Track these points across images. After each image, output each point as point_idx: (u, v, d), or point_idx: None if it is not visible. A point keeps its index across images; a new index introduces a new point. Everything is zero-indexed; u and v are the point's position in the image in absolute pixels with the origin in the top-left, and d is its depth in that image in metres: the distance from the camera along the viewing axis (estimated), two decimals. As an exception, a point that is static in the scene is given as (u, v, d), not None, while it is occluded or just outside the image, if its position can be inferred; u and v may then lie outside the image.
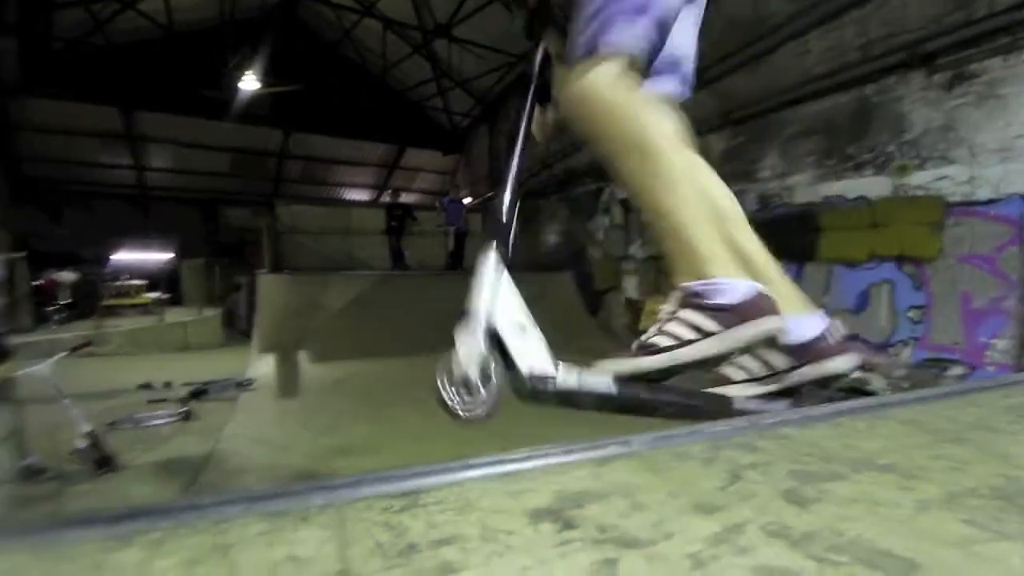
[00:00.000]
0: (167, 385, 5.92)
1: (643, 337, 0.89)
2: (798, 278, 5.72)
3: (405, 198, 10.78)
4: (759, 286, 0.86)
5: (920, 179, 4.58)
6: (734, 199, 1.03)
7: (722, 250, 0.89)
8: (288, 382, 5.81)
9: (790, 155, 5.97)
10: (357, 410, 4.88)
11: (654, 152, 0.89)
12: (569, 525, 0.37)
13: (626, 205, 8.97)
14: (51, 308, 9.79)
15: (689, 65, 1.08)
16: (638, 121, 0.90)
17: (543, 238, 11.88)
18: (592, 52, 0.90)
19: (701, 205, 0.90)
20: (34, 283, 10.04)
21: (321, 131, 15.23)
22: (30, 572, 0.31)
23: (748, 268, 0.93)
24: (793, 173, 5.90)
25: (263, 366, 6.28)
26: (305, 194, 17.57)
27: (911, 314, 4.60)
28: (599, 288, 9.61)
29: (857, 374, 3.91)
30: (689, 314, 0.85)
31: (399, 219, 9.36)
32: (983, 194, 4.11)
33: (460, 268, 9.95)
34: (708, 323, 0.83)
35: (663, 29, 0.95)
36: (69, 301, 9.98)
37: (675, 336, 0.85)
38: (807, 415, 0.70)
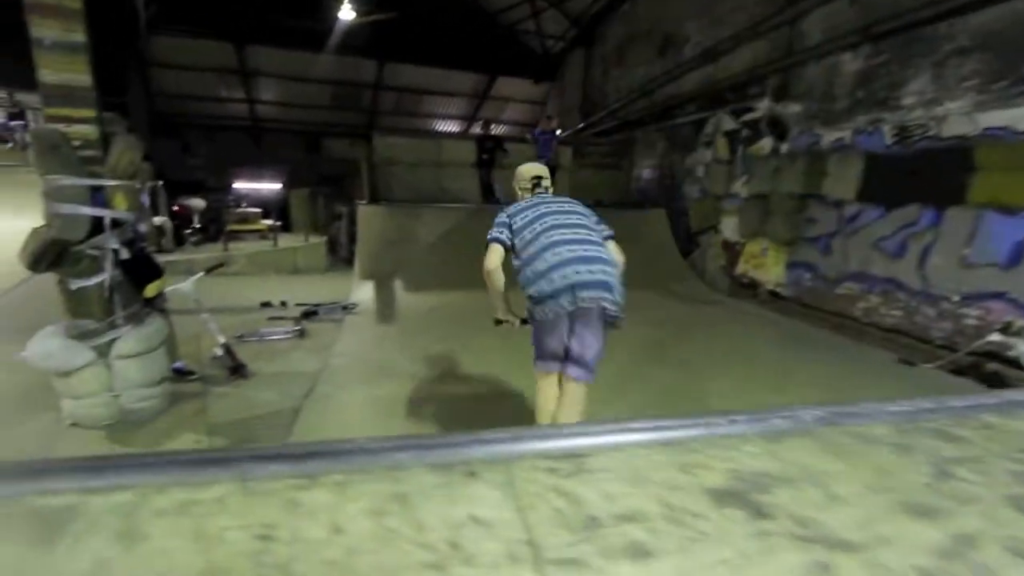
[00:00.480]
0: (283, 304, 6.56)
1: None
2: (935, 224, 5.00)
3: (496, 129, 10.56)
4: None
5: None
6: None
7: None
8: (386, 308, 6.21)
9: (944, 77, 5.03)
10: (446, 337, 5.13)
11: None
12: (761, 513, 0.33)
13: (733, 137, 8.18)
14: (187, 231, 11.04)
15: None
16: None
17: (637, 172, 11.27)
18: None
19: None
20: (171, 208, 11.32)
21: (414, 60, 15.19)
22: (235, 504, 0.33)
23: None
24: (946, 100, 4.98)
25: (364, 292, 6.74)
26: (398, 126, 17.91)
27: (1084, 272, 3.88)
28: (695, 228, 9.06)
29: (997, 338, 3.50)
30: None
31: (490, 151, 9.27)
32: None
33: (549, 203, 9.84)
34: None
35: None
36: (200, 226, 11.17)
37: None
38: (1010, 400, 0.59)
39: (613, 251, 2.43)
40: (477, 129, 11.26)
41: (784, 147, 7.14)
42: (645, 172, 11.05)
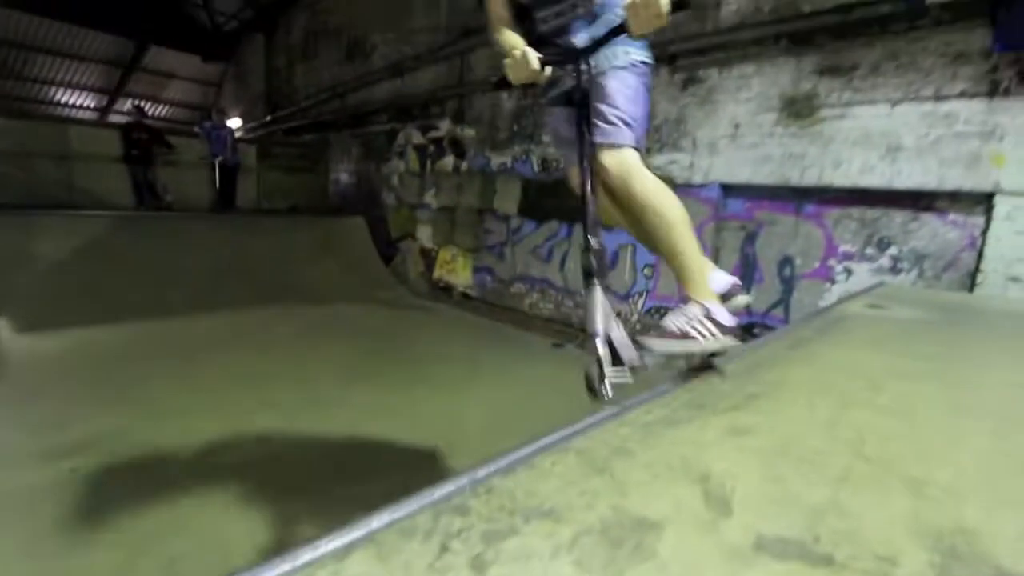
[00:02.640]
0: None
1: (676, 325, 1.39)
2: (568, 235, 6.55)
3: (155, 110, 8.70)
4: (733, 318, 1.48)
5: (658, 161, 5.57)
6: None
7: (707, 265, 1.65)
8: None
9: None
10: (96, 392, 4.07)
11: (681, 219, 1.46)
12: None
13: (422, 151, 8.87)
14: None
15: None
16: (669, 197, 1.48)
17: (334, 176, 11.06)
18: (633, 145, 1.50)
19: (694, 242, 1.49)
20: None
21: (27, 8, 11.18)
22: None
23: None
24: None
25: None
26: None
27: (646, 271, 5.74)
28: (394, 235, 9.50)
29: None
30: (708, 324, 1.39)
31: (144, 145, 7.62)
32: (697, 179, 5.24)
33: (232, 208, 8.73)
34: (717, 331, 1.40)
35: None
36: None
37: (702, 333, 1.38)
38: (513, 459, 0.88)
39: None
40: (127, 108, 8.95)
41: (464, 165, 8.14)
42: (343, 176, 10.95)
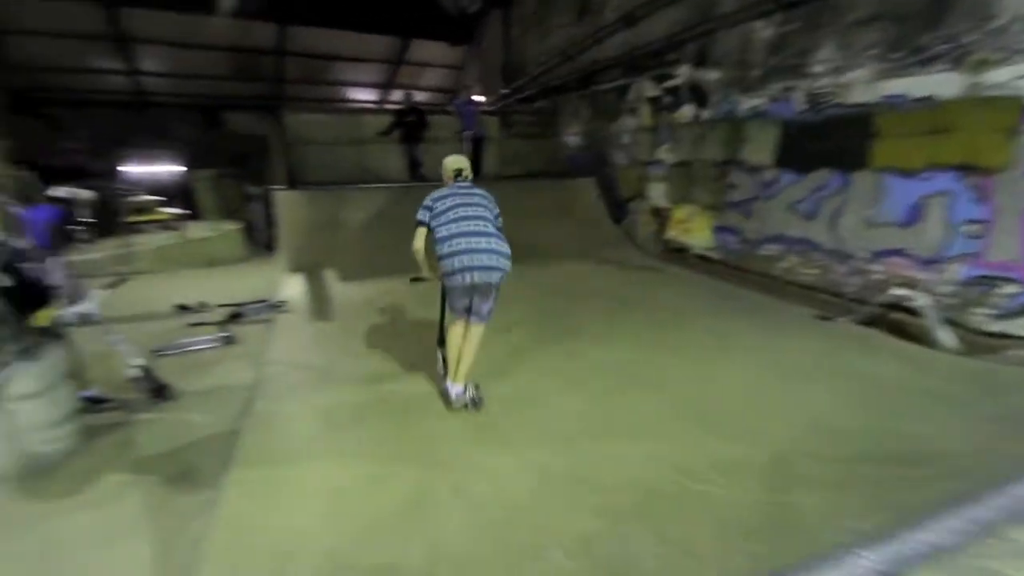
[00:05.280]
0: (203, 306, 6.02)
1: None
2: (844, 187, 5.39)
3: (416, 97, 10.02)
4: None
5: (1000, 76, 4.07)
6: None
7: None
8: (319, 303, 5.87)
9: (849, 46, 5.33)
10: (387, 331, 4.96)
11: None
12: None
13: (655, 104, 8.32)
14: (74, 227, 9.77)
15: None
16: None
17: (564, 139, 11.25)
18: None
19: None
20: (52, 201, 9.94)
21: (317, 23, 14.03)
22: None
23: None
24: (851, 68, 5.30)
25: (293, 286, 6.33)
26: (307, 95, 16.66)
27: (967, 228, 4.34)
28: (625, 195, 9.26)
29: (901, 291, 3.83)
30: None
31: (413, 125, 8.84)
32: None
33: (478, 177, 9.60)
34: None
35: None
36: (91, 219, 9.91)
37: None
38: None
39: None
40: (398, 98, 10.59)
41: (705, 114, 7.36)
42: (572, 139, 11.07)
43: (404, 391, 3.70)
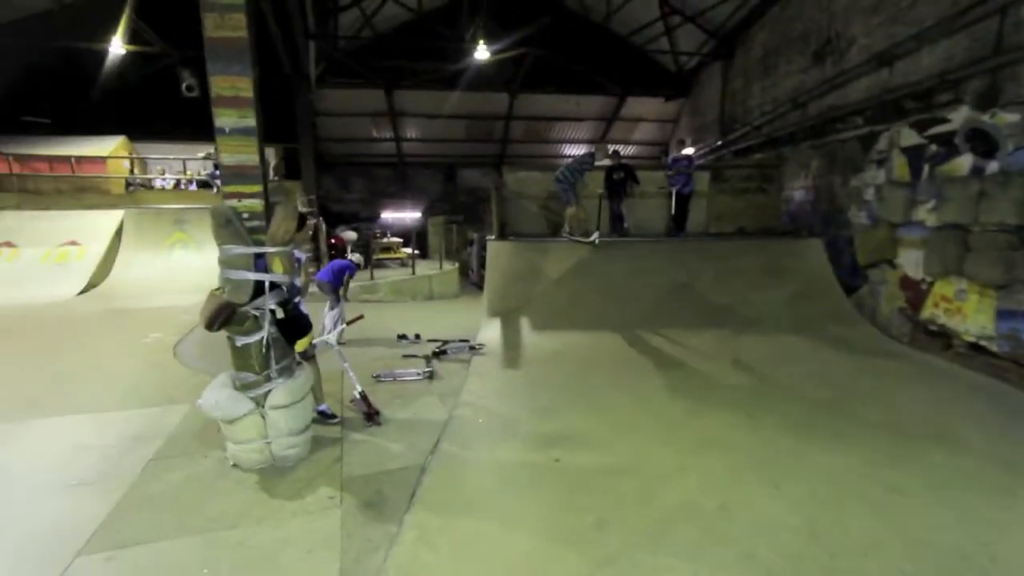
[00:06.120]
0: (417, 337, 6.90)
1: None
2: None
3: (624, 150, 10.14)
4: None
5: None
6: None
7: None
8: (511, 350, 6.19)
9: None
10: (572, 390, 4.92)
11: None
12: None
13: (915, 154, 6.86)
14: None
15: None
16: None
17: (786, 195, 10.06)
18: None
19: None
20: (330, 240, 12.75)
21: (543, 89, 15.45)
22: None
23: None
24: None
25: (491, 330, 6.81)
26: (527, 153, 18.32)
27: None
28: (863, 261, 7.75)
29: None
30: None
31: (620, 182, 8.91)
32: None
33: (682, 234, 9.14)
34: None
35: None
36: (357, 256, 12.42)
37: None
38: None
39: None
40: (610, 152, 10.95)
41: (992, 166, 5.78)
42: (796, 195, 9.83)
43: (579, 461, 3.56)
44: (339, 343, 4.98)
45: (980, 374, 5.57)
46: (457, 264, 13.13)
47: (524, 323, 6.90)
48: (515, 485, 3.29)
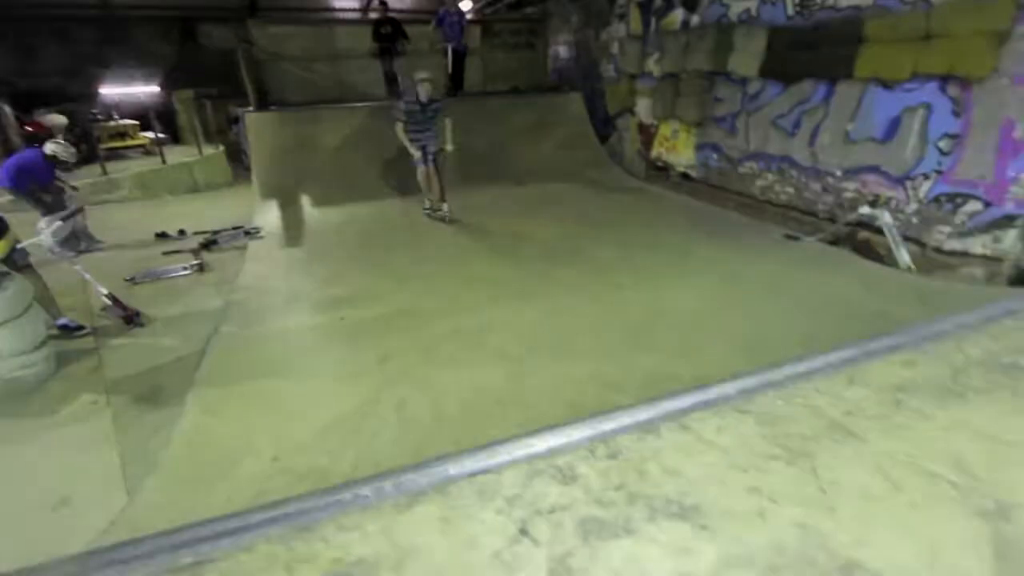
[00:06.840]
0: (181, 233, 6.10)
1: None
2: (827, 99, 5.15)
3: (395, 5, 9.34)
4: None
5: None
6: None
7: None
8: (292, 229, 5.92)
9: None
10: (357, 256, 5.04)
11: None
12: None
13: (646, 8, 7.73)
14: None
15: None
16: None
17: (552, 51, 10.60)
18: None
19: None
20: (25, 128, 9.75)
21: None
22: None
23: None
24: (846, -37, 4.85)
25: (268, 212, 6.34)
26: (282, 4, 15.55)
27: (942, 144, 4.19)
28: (612, 111, 8.88)
29: (866, 210, 3.84)
30: None
31: (389, 38, 8.34)
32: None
33: (460, 93, 9.18)
34: None
35: None
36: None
37: None
38: (661, 411, 0.67)
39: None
40: (373, 4, 9.76)
41: (694, 19, 6.86)
42: (561, 50, 10.43)
43: (364, 315, 3.84)
44: (60, 246, 4.19)
45: (687, 195, 7.19)
46: (223, 147, 11.29)
47: (304, 200, 6.56)
48: (302, 348, 3.46)
